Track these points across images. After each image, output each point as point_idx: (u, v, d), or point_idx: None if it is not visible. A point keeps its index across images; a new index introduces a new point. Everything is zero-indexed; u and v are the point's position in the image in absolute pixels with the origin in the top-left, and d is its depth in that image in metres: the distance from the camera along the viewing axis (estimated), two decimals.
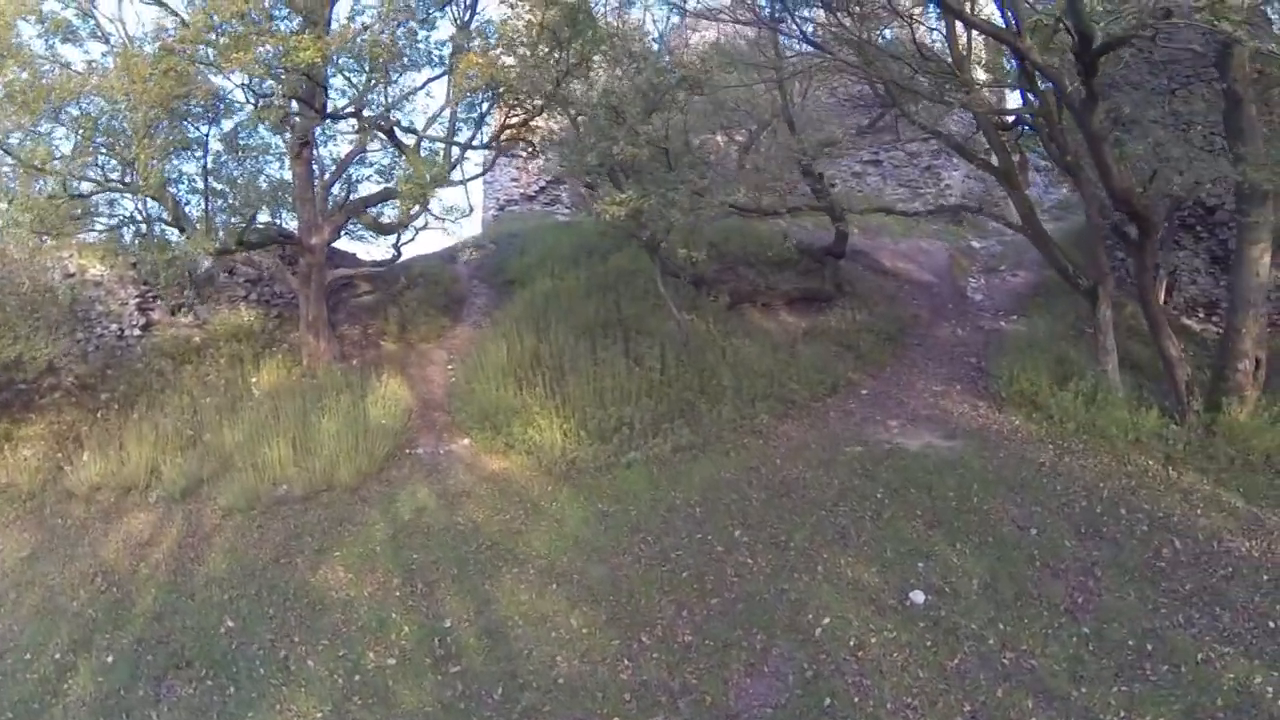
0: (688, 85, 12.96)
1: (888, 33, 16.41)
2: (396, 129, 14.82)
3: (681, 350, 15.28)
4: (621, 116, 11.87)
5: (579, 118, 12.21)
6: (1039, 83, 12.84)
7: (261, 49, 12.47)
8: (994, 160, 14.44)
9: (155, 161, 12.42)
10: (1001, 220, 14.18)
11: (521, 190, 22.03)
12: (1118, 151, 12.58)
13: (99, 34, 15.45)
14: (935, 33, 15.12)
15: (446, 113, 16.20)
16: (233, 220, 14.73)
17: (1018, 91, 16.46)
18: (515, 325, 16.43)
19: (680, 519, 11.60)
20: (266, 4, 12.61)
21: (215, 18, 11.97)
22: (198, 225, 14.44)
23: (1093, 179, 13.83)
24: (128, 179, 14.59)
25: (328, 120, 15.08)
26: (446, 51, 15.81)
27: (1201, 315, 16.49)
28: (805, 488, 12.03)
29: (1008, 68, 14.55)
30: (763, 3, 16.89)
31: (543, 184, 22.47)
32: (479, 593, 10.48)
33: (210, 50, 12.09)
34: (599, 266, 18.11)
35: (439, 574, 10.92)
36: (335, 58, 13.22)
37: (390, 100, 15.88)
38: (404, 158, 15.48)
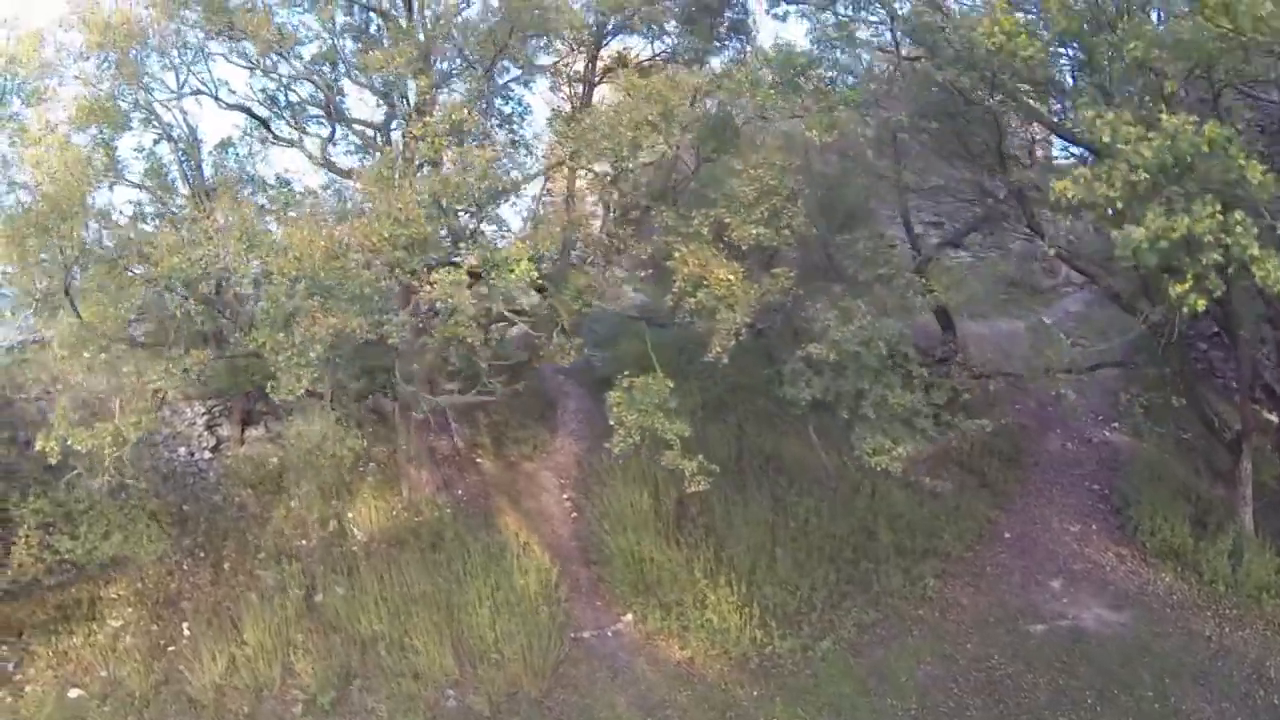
0: None
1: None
2: None
3: (832, 497, 14.92)
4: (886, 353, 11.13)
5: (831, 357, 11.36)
6: None
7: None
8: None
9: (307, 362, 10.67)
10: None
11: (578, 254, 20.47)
12: None
13: (155, 123, 13.71)
14: None
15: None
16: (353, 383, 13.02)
17: None
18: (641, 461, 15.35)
19: None
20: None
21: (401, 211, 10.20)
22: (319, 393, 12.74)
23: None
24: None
25: None
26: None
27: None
28: (1014, 689, 12.17)
29: None
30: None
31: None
32: None
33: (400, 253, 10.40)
34: (705, 378, 17.17)
35: None
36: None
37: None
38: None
